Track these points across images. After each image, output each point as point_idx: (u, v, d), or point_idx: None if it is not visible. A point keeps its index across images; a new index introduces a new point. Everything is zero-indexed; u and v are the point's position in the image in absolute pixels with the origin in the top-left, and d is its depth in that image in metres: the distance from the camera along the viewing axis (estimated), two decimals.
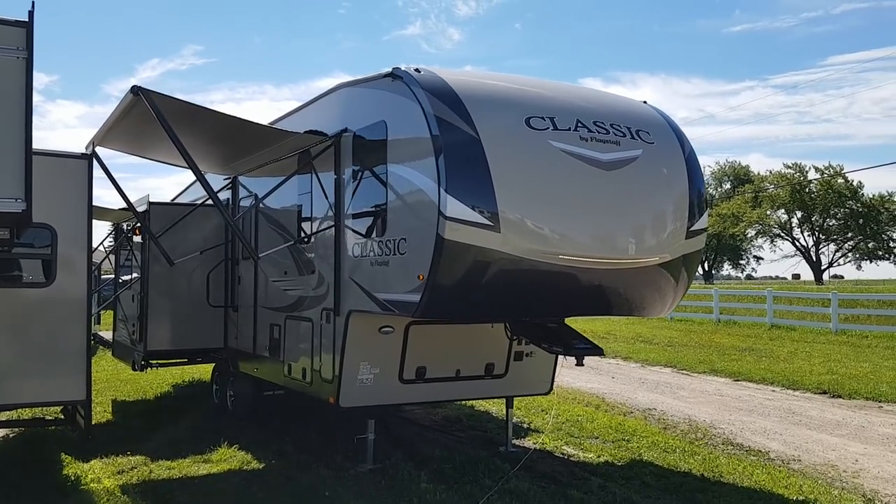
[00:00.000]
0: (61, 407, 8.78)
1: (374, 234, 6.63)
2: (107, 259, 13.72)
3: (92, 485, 7.05)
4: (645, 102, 7.37)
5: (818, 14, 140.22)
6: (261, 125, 7.76)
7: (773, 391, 12.92)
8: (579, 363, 6.77)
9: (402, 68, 6.35)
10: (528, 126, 6.06)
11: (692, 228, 6.76)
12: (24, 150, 4.56)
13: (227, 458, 7.96)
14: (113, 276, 13.51)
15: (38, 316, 7.40)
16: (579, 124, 6.25)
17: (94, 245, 13.77)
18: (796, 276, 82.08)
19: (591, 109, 6.52)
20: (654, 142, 6.66)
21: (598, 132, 6.31)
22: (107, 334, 13.77)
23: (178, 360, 11.31)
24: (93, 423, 9.76)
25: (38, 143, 5.15)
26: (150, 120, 6.80)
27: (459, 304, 6.08)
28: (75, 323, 7.47)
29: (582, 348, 6.68)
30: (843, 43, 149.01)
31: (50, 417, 9.32)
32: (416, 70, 6.28)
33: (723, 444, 8.96)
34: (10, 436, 9.06)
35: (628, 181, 6.40)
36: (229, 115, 7.31)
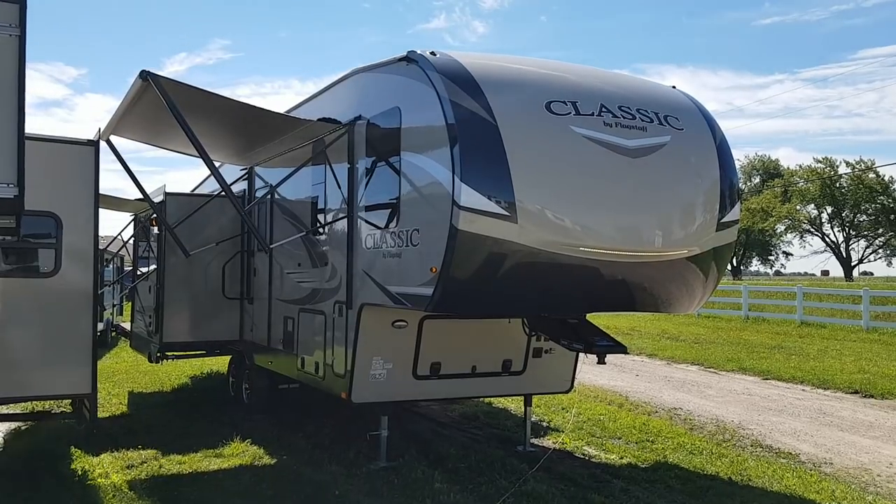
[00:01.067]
0: (70, 400, 8.66)
1: (387, 226, 6.38)
2: (124, 249, 13.66)
3: (99, 479, 6.91)
4: (674, 87, 7.03)
5: (849, 7, 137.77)
6: (273, 112, 7.55)
7: (804, 391, 12.50)
8: (601, 361, 6.47)
9: (418, 52, 6.09)
10: (548, 111, 5.76)
11: (723, 220, 6.41)
12: (17, 133, 4.35)
13: (239, 453, 7.79)
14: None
15: (43, 307, 7.21)
16: (603, 109, 5.93)
17: (113, 236, 13.78)
18: (825, 273, 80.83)
19: (616, 93, 6.19)
20: (684, 128, 6.31)
21: (624, 117, 5.98)
22: (128, 325, 13.71)
23: (194, 353, 11.19)
24: (107, 415, 9.71)
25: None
26: (164, 107, 6.61)
27: (474, 298, 5.81)
28: (81, 314, 7.28)
29: (604, 346, 6.37)
30: (874, 36, 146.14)
31: (58, 411, 9.22)
32: (432, 53, 6.01)
33: (751, 445, 8.61)
34: (22, 428, 8.97)
35: (655, 169, 6.06)
36: (241, 102, 7.11)
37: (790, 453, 8.27)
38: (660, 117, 6.23)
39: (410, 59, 6.10)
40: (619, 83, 6.56)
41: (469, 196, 5.40)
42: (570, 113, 5.81)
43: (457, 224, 5.41)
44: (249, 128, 8.11)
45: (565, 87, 6.05)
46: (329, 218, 7.61)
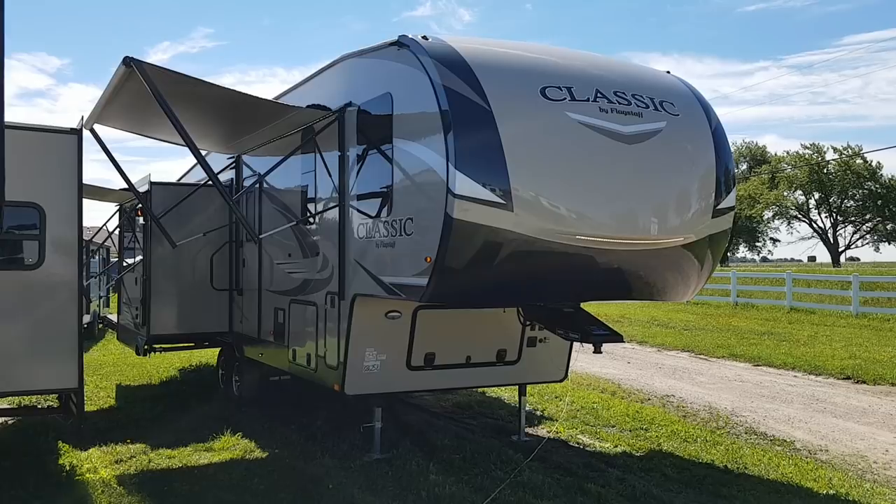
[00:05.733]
0: (57, 395, 8.51)
1: (379, 215, 6.26)
2: (110, 240, 13.47)
3: (87, 475, 6.77)
4: (668, 72, 6.94)
5: None
6: (261, 99, 7.39)
7: (795, 377, 12.51)
8: (597, 350, 6.41)
9: (409, 36, 5.95)
10: (543, 96, 5.65)
11: (719, 207, 6.34)
12: None
13: (230, 447, 7.68)
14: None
15: (27, 300, 7.02)
16: (599, 94, 5.82)
17: (98, 226, 13.58)
18: (812, 259, 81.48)
19: (612, 79, 6.08)
20: (679, 114, 6.22)
21: (619, 103, 5.88)
22: (115, 317, 13.53)
23: (182, 345, 11.05)
24: (95, 409, 9.57)
25: None
26: (149, 95, 6.44)
27: (469, 288, 5.71)
28: (67, 307, 7.10)
29: (600, 335, 6.31)
30: (859, 22, 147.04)
31: (44, 406, 9.06)
32: (424, 37, 5.88)
33: (746, 433, 8.58)
34: (10, 422, 8.80)
35: (651, 156, 5.97)
36: (228, 89, 6.95)
37: (785, 440, 8.25)
38: (655, 103, 6.13)
39: (402, 43, 5.96)
40: (613, 68, 6.45)
41: (464, 184, 5.28)
42: (565, 98, 5.71)
43: (451, 213, 5.30)
44: (237, 115, 7.95)
45: (560, 71, 5.94)
46: (319, 207, 7.48)
